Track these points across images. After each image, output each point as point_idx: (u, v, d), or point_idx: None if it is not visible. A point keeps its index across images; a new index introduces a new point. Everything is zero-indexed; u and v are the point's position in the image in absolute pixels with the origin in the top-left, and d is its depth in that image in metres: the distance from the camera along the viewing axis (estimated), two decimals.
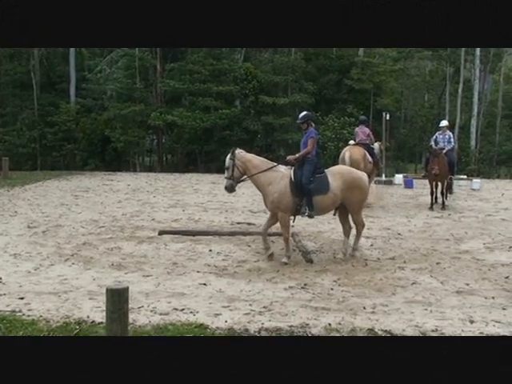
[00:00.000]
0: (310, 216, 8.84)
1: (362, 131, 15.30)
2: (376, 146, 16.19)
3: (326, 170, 8.92)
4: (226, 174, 8.91)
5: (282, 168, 8.89)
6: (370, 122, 17.75)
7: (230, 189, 8.90)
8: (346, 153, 14.27)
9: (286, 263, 8.66)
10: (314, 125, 9.20)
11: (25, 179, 21.50)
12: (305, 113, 9.31)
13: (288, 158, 9.02)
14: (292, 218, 9.13)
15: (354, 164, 13.53)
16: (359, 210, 9.12)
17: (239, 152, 8.86)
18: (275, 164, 8.93)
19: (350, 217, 9.19)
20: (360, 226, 9.18)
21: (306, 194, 8.59)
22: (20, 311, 6.41)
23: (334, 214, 9.68)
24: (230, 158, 8.78)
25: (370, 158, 14.71)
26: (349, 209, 9.01)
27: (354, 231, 9.37)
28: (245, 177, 8.93)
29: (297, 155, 8.91)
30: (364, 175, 9.17)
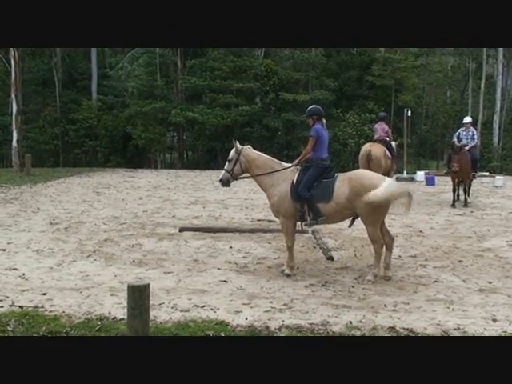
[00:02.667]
0: (318, 223, 7.84)
1: (382, 128, 15.41)
2: (393, 144, 16.23)
3: (340, 174, 7.84)
4: (226, 166, 8.20)
5: (289, 169, 8.03)
6: (390, 119, 17.70)
7: (226, 182, 8.21)
8: (369, 149, 14.33)
9: (288, 275, 7.84)
10: (324, 120, 8.09)
11: (47, 176, 21.71)
12: (311, 106, 8.26)
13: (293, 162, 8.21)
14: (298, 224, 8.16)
15: (375, 161, 13.84)
16: (372, 223, 7.55)
17: (246, 148, 8.18)
18: (281, 168, 8.03)
19: (386, 227, 8.02)
20: (376, 244, 7.66)
21: (304, 202, 7.70)
22: (42, 307, 6.47)
23: (350, 226, 8.34)
24: (236, 152, 8.09)
25: (389, 154, 14.82)
26: (361, 220, 7.75)
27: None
28: (245, 175, 8.28)
29: (297, 160, 8.16)
30: (381, 181, 7.50)
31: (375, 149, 14.39)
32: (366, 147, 14.56)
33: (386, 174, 13.60)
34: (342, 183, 7.59)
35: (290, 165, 8.12)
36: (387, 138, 15.30)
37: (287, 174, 7.96)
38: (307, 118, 8.20)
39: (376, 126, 15.84)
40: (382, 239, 7.71)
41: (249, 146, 8.30)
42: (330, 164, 8.01)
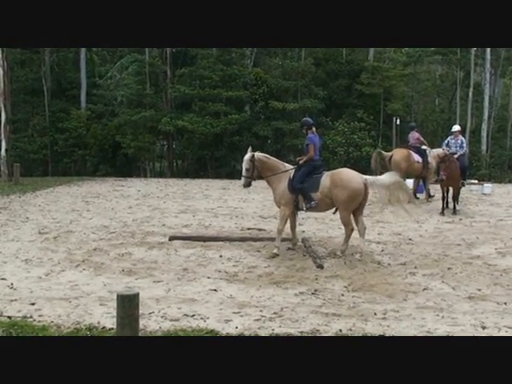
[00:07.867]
0: (312, 206, 9.52)
1: (412, 136, 17.82)
2: (440, 150, 17.06)
3: (326, 172, 9.75)
4: (245, 174, 10.00)
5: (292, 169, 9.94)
6: (380, 127, 18.58)
7: (248, 185, 10.08)
8: (391, 153, 16.91)
9: (276, 254, 9.52)
10: (314, 129, 10.09)
11: (36, 185, 21.60)
12: (302, 119, 10.57)
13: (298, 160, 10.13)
14: (296, 212, 10.03)
15: (394, 164, 16.19)
16: (344, 209, 9.43)
17: (257, 155, 9.98)
18: (287, 169, 9.96)
19: (362, 218, 9.68)
20: (347, 227, 9.59)
21: (298, 192, 9.56)
22: (31, 317, 6.43)
23: (334, 213, 9.93)
24: (251, 160, 9.89)
25: (416, 158, 16.68)
26: (336, 206, 9.57)
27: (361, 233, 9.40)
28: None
29: (304, 159, 9.89)
30: (356, 178, 9.44)
31: (397, 153, 16.90)
32: (391, 153, 17.12)
33: (421, 178, 16.79)
34: (326, 177, 9.57)
35: (292, 167, 10.01)
36: (418, 145, 17.31)
37: (287, 173, 9.87)
38: (301, 129, 10.63)
39: (409, 135, 17.89)
40: (351, 224, 9.58)
41: (256, 152, 10.07)
42: (319, 164, 9.94)
